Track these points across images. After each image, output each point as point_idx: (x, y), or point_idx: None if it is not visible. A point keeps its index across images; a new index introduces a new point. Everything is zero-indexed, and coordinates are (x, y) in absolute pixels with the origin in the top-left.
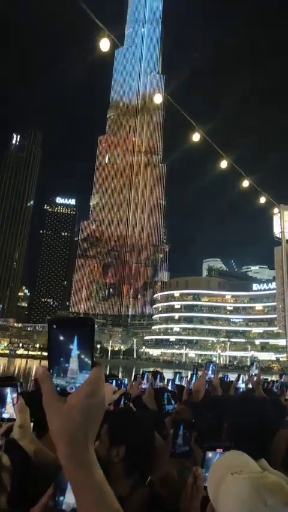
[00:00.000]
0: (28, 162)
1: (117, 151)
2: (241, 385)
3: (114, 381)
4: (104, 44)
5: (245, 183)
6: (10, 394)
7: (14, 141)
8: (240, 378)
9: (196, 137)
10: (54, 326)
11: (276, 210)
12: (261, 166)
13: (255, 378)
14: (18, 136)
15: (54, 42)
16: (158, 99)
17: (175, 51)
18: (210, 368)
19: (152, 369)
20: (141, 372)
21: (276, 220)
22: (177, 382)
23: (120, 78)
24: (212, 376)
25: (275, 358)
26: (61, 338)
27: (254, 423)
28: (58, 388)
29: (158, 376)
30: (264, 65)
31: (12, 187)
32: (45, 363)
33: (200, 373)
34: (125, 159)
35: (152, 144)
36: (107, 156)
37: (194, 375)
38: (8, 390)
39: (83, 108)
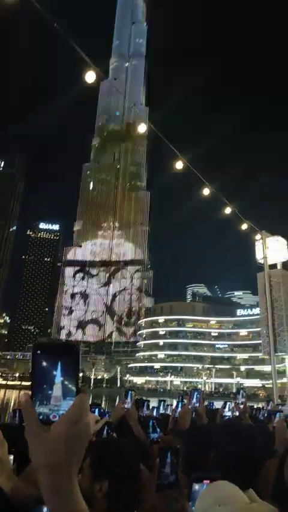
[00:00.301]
0: (12, 188)
1: (101, 178)
2: (227, 413)
3: (97, 410)
4: (90, 76)
5: (228, 210)
6: None
7: None
8: (227, 406)
9: (179, 165)
10: (39, 351)
11: (258, 236)
12: (244, 194)
13: (241, 406)
14: (2, 162)
15: (40, 72)
16: (142, 128)
17: (160, 84)
18: (195, 396)
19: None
20: (123, 392)
21: (258, 246)
22: (161, 410)
23: (105, 108)
24: (197, 404)
25: (260, 385)
26: (45, 364)
27: (241, 451)
28: (41, 417)
29: (145, 404)
30: (244, 101)
31: None
32: (25, 392)
33: (185, 401)
34: (109, 185)
35: (136, 172)
36: (91, 183)
37: (180, 403)
38: None
39: (67, 135)
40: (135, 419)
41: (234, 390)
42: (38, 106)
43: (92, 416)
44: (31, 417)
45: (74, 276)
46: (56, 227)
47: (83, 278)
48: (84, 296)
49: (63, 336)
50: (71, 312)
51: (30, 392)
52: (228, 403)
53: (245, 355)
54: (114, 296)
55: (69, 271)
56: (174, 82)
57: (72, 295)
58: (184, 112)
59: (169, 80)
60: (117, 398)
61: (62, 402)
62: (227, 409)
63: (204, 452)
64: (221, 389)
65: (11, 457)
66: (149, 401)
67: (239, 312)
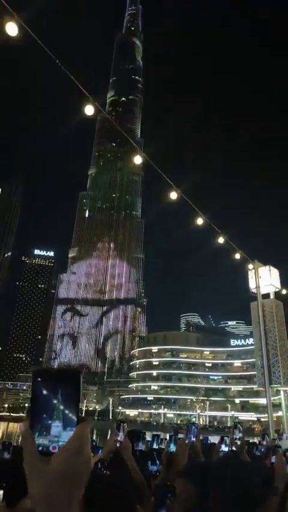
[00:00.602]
0: (8, 214)
1: (97, 207)
2: (224, 449)
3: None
4: (89, 110)
5: (221, 240)
6: None
7: None
8: (223, 441)
9: (174, 196)
10: (39, 379)
11: (251, 266)
12: (236, 224)
13: (238, 442)
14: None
15: (39, 102)
16: (138, 160)
17: (154, 116)
18: (192, 431)
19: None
20: (115, 424)
21: (251, 275)
22: (155, 446)
23: (101, 139)
24: (194, 439)
25: (255, 418)
26: (45, 392)
27: (238, 489)
28: (40, 448)
29: (140, 436)
30: (236, 129)
31: None
32: (24, 421)
33: (180, 435)
34: (104, 214)
35: (131, 201)
36: (86, 211)
37: (173, 437)
38: None
39: (64, 164)
40: (129, 453)
41: (229, 424)
42: (35, 135)
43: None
44: (30, 448)
45: (62, 315)
46: (50, 253)
47: (72, 317)
48: (73, 338)
49: (55, 364)
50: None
51: (28, 422)
52: (225, 438)
53: (240, 387)
54: (106, 338)
55: (60, 309)
56: (166, 118)
57: (61, 336)
58: (176, 145)
59: (162, 115)
60: (109, 432)
61: (62, 433)
62: (223, 445)
63: (203, 491)
64: (215, 423)
65: (0, 492)
66: (144, 433)
67: (233, 342)
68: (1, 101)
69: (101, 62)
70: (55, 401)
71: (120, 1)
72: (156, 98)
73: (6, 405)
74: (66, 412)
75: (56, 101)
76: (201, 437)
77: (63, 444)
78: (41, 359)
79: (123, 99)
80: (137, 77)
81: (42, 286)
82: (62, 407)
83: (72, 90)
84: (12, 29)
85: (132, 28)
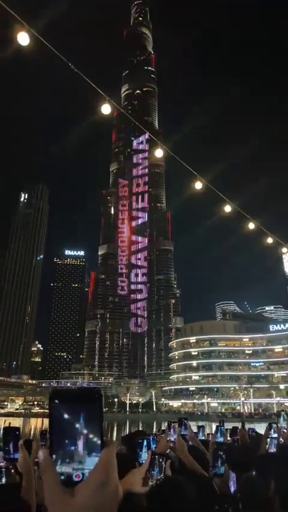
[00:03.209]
0: (36, 218)
1: (121, 203)
2: (273, 435)
3: (145, 441)
4: (105, 109)
5: (251, 226)
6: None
7: (22, 199)
8: (272, 428)
9: (198, 185)
10: (57, 401)
11: (284, 250)
12: (266, 207)
13: (285, 431)
14: (26, 194)
15: (59, 105)
16: (159, 153)
17: (172, 106)
18: (183, 425)
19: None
20: (166, 423)
21: (286, 259)
22: (201, 437)
23: (120, 134)
24: (186, 433)
25: None
26: (65, 415)
27: None
28: (63, 477)
29: (183, 422)
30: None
31: (21, 243)
32: (43, 448)
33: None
34: (129, 208)
35: (155, 193)
36: (112, 208)
37: (220, 429)
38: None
39: (86, 163)
40: (185, 452)
41: (275, 410)
42: (56, 138)
43: (137, 473)
44: (52, 478)
45: (98, 311)
46: (81, 253)
47: (107, 313)
48: (111, 333)
49: (95, 361)
50: (101, 335)
51: (47, 449)
52: (273, 424)
53: (283, 373)
54: (142, 332)
55: (94, 306)
56: (185, 108)
57: (98, 332)
58: (196, 133)
59: (180, 104)
60: (154, 425)
61: (86, 459)
62: (272, 431)
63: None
64: (260, 410)
65: None
66: (187, 419)
67: (272, 327)
68: (18, 107)
69: (112, 56)
70: (77, 425)
71: None
72: (172, 86)
73: None
74: (90, 436)
75: (72, 101)
76: (249, 426)
77: (88, 472)
78: (81, 356)
79: (138, 91)
80: (149, 68)
81: (76, 285)
82: (85, 431)
83: (88, 90)
84: (23, 38)
85: (140, 18)
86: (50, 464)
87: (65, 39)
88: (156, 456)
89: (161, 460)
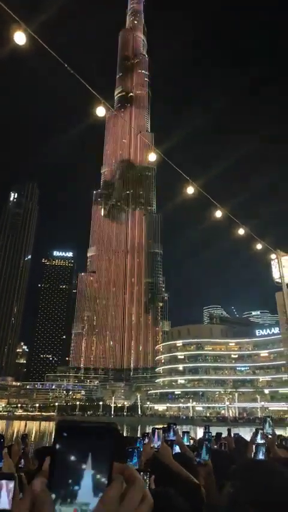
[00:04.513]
0: (25, 218)
1: (112, 204)
2: (260, 441)
3: (135, 451)
4: (100, 111)
5: (241, 231)
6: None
7: (11, 198)
8: (259, 434)
9: (190, 190)
10: (65, 434)
11: (273, 256)
12: (256, 213)
13: (270, 437)
14: (16, 194)
15: (50, 105)
16: (152, 157)
17: (164, 110)
18: (172, 430)
19: (160, 426)
20: (150, 430)
21: (274, 265)
22: (185, 442)
23: (112, 136)
24: (174, 438)
25: (286, 408)
26: (72, 451)
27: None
28: None
29: (172, 428)
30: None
31: (10, 243)
32: (40, 478)
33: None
34: (119, 210)
35: (145, 196)
36: (102, 209)
37: (208, 434)
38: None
39: (77, 164)
40: (170, 458)
41: (259, 415)
42: (48, 138)
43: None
44: None
45: (85, 313)
46: (69, 254)
47: (94, 315)
48: (97, 335)
49: (81, 364)
50: (88, 338)
51: (45, 480)
52: (260, 430)
53: (268, 377)
54: (130, 320)
55: (81, 308)
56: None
57: (85, 334)
58: (188, 137)
59: (173, 107)
60: (139, 428)
61: (92, 500)
62: (259, 437)
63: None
64: (245, 415)
65: None
66: (175, 424)
67: (259, 332)
68: (12, 108)
69: (106, 59)
70: (83, 465)
71: None
72: (165, 90)
73: (37, 405)
74: (98, 476)
75: (64, 102)
76: (232, 434)
77: None
78: (67, 358)
79: (131, 94)
80: (143, 71)
81: (64, 286)
82: (92, 471)
83: (81, 91)
84: (20, 38)
85: (135, 22)
86: (49, 501)
87: (59, 40)
88: (141, 473)
89: (145, 477)
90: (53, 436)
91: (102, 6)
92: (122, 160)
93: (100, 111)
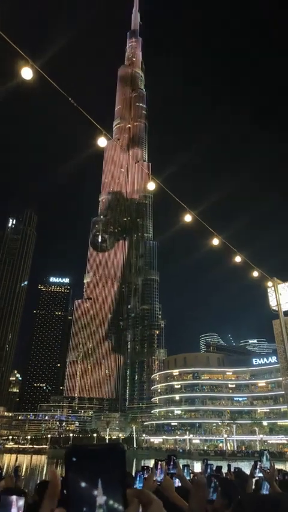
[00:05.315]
0: (23, 244)
1: (109, 231)
2: (259, 474)
3: (138, 477)
4: (101, 141)
5: (238, 259)
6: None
7: (9, 224)
8: (258, 467)
9: (188, 218)
10: (74, 458)
11: (270, 284)
12: (252, 242)
13: (268, 470)
14: (14, 220)
15: (50, 134)
16: (151, 186)
17: (160, 140)
18: (172, 462)
19: (162, 458)
20: (152, 463)
21: (270, 293)
22: (186, 476)
23: (111, 165)
24: (175, 471)
25: (286, 441)
26: (84, 476)
27: None
28: None
29: (172, 460)
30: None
31: (7, 268)
32: (59, 509)
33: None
34: (117, 237)
35: (142, 223)
36: (99, 236)
37: (208, 467)
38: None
39: (76, 192)
40: (173, 491)
41: (258, 448)
42: (47, 166)
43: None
44: None
45: (80, 341)
46: (66, 280)
47: (90, 343)
48: (93, 364)
49: (75, 393)
50: (82, 367)
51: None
52: (259, 462)
53: (266, 408)
54: (126, 349)
55: (77, 335)
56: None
57: (80, 363)
58: (185, 168)
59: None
60: (134, 462)
61: None
62: (257, 470)
63: None
64: (243, 448)
65: None
66: (176, 456)
67: (255, 361)
68: (13, 137)
69: (105, 93)
70: (95, 491)
71: (121, 35)
72: (162, 122)
73: (28, 437)
74: (111, 502)
75: (64, 131)
76: (232, 469)
77: None
78: (61, 387)
79: (129, 125)
80: (141, 104)
81: (59, 313)
82: (105, 497)
83: (81, 122)
84: (27, 73)
85: (134, 59)
86: None
87: (61, 73)
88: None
89: None
90: (64, 464)
91: (104, 41)
92: (119, 188)
93: (101, 142)
